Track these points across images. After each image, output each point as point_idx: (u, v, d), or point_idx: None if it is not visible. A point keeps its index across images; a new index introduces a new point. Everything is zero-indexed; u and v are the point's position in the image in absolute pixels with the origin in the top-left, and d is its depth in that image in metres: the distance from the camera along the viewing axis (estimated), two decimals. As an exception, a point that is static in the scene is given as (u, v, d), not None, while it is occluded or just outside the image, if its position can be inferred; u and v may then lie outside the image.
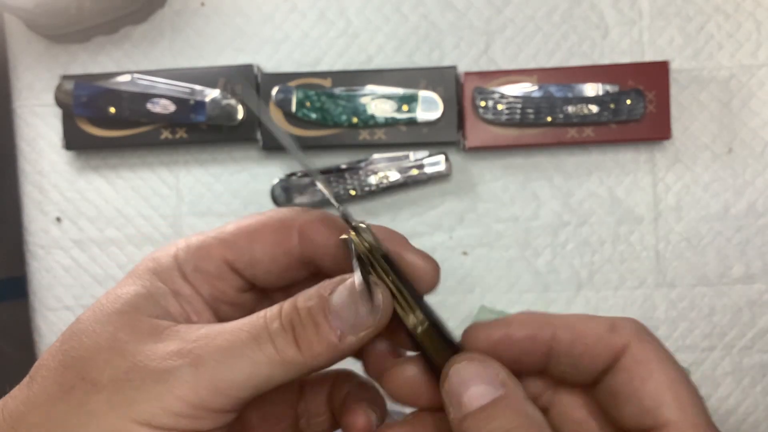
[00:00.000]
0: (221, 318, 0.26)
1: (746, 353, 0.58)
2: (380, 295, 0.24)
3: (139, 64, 0.59)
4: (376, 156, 0.57)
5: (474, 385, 0.23)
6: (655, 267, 0.58)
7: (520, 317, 0.25)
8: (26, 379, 0.23)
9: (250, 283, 0.26)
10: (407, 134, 0.56)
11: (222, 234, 0.26)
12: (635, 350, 0.23)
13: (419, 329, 0.24)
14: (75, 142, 0.57)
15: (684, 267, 0.58)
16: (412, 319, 0.24)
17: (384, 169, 0.57)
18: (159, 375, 0.21)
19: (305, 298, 0.23)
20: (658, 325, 0.58)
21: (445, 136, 0.56)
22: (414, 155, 0.57)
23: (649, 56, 0.58)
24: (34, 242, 0.60)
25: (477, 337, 0.25)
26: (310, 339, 0.22)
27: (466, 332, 0.25)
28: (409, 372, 0.25)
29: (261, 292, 0.28)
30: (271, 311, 0.23)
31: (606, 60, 0.58)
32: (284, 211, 0.26)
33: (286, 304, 0.23)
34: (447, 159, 0.56)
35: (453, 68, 0.56)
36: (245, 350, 0.22)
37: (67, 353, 0.22)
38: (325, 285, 0.24)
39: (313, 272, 0.27)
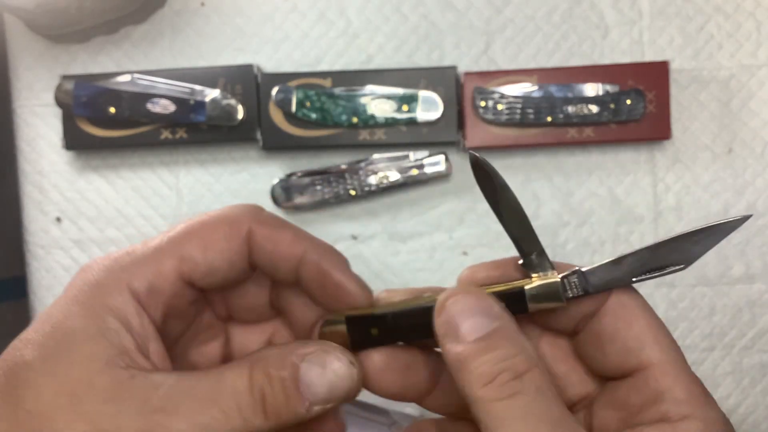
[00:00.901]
0: (169, 336, 0.25)
1: (746, 353, 0.58)
2: (354, 372, 0.24)
3: (139, 64, 0.59)
4: (376, 156, 0.57)
5: (471, 316, 0.23)
6: (655, 267, 0.58)
7: (514, 258, 0.26)
8: None
9: (200, 292, 0.26)
10: (407, 134, 0.56)
11: (171, 243, 0.24)
12: (620, 296, 0.24)
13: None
14: (75, 142, 0.57)
15: (684, 267, 0.58)
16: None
17: (384, 169, 0.57)
18: None
19: (277, 365, 0.23)
20: (658, 325, 0.58)
21: (445, 136, 0.56)
22: (414, 155, 0.57)
23: (649, 56, 0.58)
24: (34, 242, 0.60)
25: (475, 277, 0.26)
26: (279, 409, 0.22)
27: (462, 274, 0.26)
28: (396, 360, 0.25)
29: (205, 299, 0.27)
30: (240, 376, 0.23)
31: (606, 60, 0.58)
32: (233, 212, 0.25)
33: (257, 372, 0.23)
34: (447, 159, 0.56)
35: (453, 68, 0.56)
36: (214, 424, 0.22)
37: (21, 405, 0.21)
38: (296, 351, 0.23)
39: (254, 269, 0.26)
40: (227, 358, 0.28)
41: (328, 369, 0.23)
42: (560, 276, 0.24)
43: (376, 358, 0.25)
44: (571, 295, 0.24)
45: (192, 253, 0.24)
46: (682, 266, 0.24)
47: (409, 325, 0.25)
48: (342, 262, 0.26)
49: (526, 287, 0.24)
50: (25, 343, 0.22)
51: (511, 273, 0.25)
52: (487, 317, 0.23)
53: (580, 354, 0.26)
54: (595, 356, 0.25)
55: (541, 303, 0.24)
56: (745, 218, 0.23)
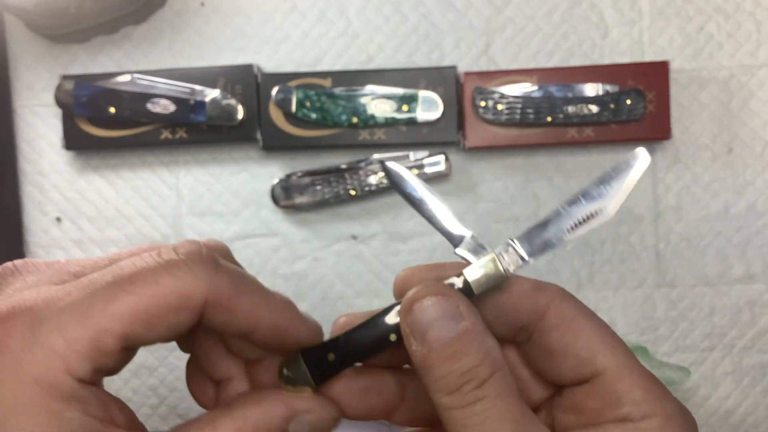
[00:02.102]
0: (104, 373, 0.23)
1: (746, 353, 0.58)
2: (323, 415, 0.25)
3: (139, 64, 0.59)
4: (376, 156, 0.57)
5: (437, 318, 0.23)
6: (655, 267, 0.58)
7: (451, 264, 0.26)
8: None
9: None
10: (407, 134, 0.56)
11: (113, 321, 0.21)
12: (560, 308, 0.25)
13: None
14: (75, 142, 0.57)
15: (684, 267, 0.58)
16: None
17: (384, 169, 0.57)
18: None
19: None
20: (658, 325, 0.58)
21: (445, 136, 0.56)
22: (414, 155, 0.57)
23: (649, 56, 0.58)
24: (34, 242, 0.60)
25: (411, 278, 0.26)
26: None
27: (399, 275, 0.26)
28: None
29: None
30: None
31: (606, 60, 0.58)
32: (188, 285, 0.22)
33: None
34: (447, 159, 0.56)
35: (453, 68, 0.56)
36: None
37: None
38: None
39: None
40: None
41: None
42: (494, 252, 0.25)
43: (336, 387, 0.26)
44: (512, 268, 0.25)
45: (136, 330, 0.22)
46: (603, 213, 0.25)
47: (362, 343, 0.25)
48: (294, 313, 0.25)
49: (464, 270, 0.25)
50: None
51: (448, 273, 0.25)
52: (453, 320, 0.23)
53: (532, 365, 0.26)
54: (549, 369, 0.25)
55: (485, 283, 0.25)
56: (644, 160, 0.25)
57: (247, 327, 0.24)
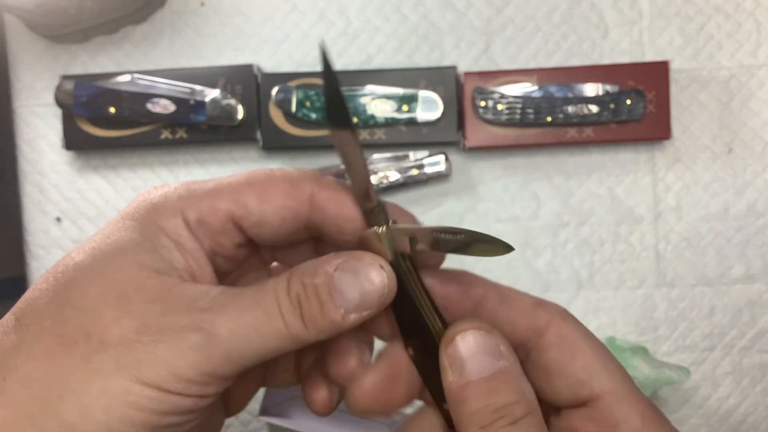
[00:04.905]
0: (217, 270, 0.25)
1: (746, 353, 0.58)
2: (386, 277, 0.24)
3: (139, 64, 0.59)
4: (376, 156, 0.57)
5: (478, 354, 0.23)
6: (655, 267, 0.58)
7: (457, 271, 0.26)
8: (12, 321, 0.22)
9: (249, 239, 0.26)
10: (407, 134, 0.56)
11: (230, 187, 0.25)
12: (560, 327, 0.24)
13: (435, 332, 0.25)
14: (75, 142, 0.57)
15: (684, 267, 0.58)
16: (431, 324, 0.25)
17: (384, 169, 0.57)
18: (171, 340, 0.21)
19: (311, 273, 0.23)
20: (658, 325, 0.58)
21: (445, 136, 0.56)
22: (414, 155, 0.57)
23: (649, 56, 0.58)
24: (34, 242, 0.60)
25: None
26: (315, 316, 0.23)
27: None
28: (371, 379, 0.25)
29: (254, 245, 0.27)
30: (280, 285, 0.23)
31: (606, 60, 0.58)
32: (296, 173, 0.25)
33: (293, 280, 0.23)
34: (447, 159, 0.56)
35: (453, 68, 0.56)
36: (257, 324, 0.22)
37: (67, 303, 0.21)
38: (330, 260, 0.23)
39: (313, 236, 0.26)
40: None
41: (360, 275, 0.23)
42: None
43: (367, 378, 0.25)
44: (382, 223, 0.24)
45: (247, 200, 0.24)
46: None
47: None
48: (410, 216, 0.26)
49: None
50: (78, 250, 0.23)
51: (450, 283, 0.25)
52: (494, 356, 0.23)
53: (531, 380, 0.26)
54: (546, 389, 0.25)
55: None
56: (508, 251, 0.25)
57: (357, 221, 0.25)
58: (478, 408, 0.23)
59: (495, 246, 0.25)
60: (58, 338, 0.21)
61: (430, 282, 0.25)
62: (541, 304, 0.25)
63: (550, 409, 0.26)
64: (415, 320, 0.25)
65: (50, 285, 0.22)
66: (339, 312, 0.23)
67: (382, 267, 0.24)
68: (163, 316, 0.21)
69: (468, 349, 0.23)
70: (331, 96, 0.23)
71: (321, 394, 0.27)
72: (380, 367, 0.26)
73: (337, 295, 0.23)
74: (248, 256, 0.27)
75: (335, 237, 0.25)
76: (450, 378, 0.23)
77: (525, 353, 0.25)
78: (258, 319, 0.22)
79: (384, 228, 0.24)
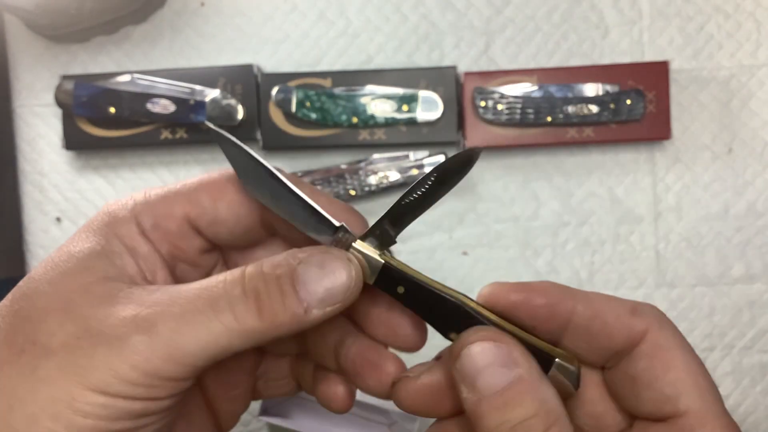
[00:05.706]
0: (179, 278, 0.25)
1: (746, 353, 0.58)
2: (353, 271, 0.23)
3: (139, 64, 0.59)
4: (376, 156, 0.57)
5: (488, 366, 0.22)
6: (655, 267, 0.58)
7: (542, 285, 0.24)
8: None
9: (210, 242, 0.25)
10: (407, 134, 0.56)
11: (184, 189, 0.25)
12: (656, 336, 0.23)
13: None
14: (75, 142, 0.57)
15: (684, 267, 0.58)
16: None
17: (384, 169, 0.57)
18: (112, 342, 0.20)
19: (272, 264, 0.22)
20: (658, 325, 0.58)
21: (445, 136, 0.56)
22: (414, 155, 0.57)
23: (649, 56, 0.58)
24: (34, 242, 0.60)
25: (496, 296, 0.24)
26: (274, 308, 0.22)
27: (484, 290, 0.24)
28: (425, 382, 0.24)
29: (219, 252, 0.27)
30: (232, 275, 0.22)
31: (606, 60, 0.58)
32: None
33: (250, 269, 0.22)
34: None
35: (453, 68, 0.56)
36: (202, 318, 0.21)
37: (18, 314, 0.21)
38: (294, 253, 0.23)
39: (272, 234, 0.26)
40: None
41: (326, 269, 0.22)
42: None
43: (422, 380, 0.25)
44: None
45: (201, 199, 0.24)
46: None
47: (425, 302, 0.24)
48: (360, 220, 0.26)
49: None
50: (39, 264, 0.23)
51: (535, 299, 0.24)
52: (505, 367, 0.22)
53: (612, 391, 0.25)
54: (629, 398, 0.24)
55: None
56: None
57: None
58: (495, 425, 0.21)
59: (457, 164, 0.26)
60: (9, 348, 0.21)
61: (515, 297, 0.24)
62: (636, 310, 0.23)
63: (629, 422, 0.24)
64: (437, 308, 0.24)
65: (8, 299, 0.22)
66: (302, 305, 0.22)
67: (350, 260, 0.23)
68: (105, 319, 0.21)
69: (476, 363, 0.22)
70: (245, 165, 0.24)
71: (340, 391, 0.26)
72: (437, 368, 0.25)
73: (301, 287, 0.22)
74: (215, 264, 0.27)
75: (291, 235, 0.25)
76: (463, 394, 0.22)
77: (617, 361, 0.24)
78: (202, 313, 0.21)
79: (351, 251, 0.24)
